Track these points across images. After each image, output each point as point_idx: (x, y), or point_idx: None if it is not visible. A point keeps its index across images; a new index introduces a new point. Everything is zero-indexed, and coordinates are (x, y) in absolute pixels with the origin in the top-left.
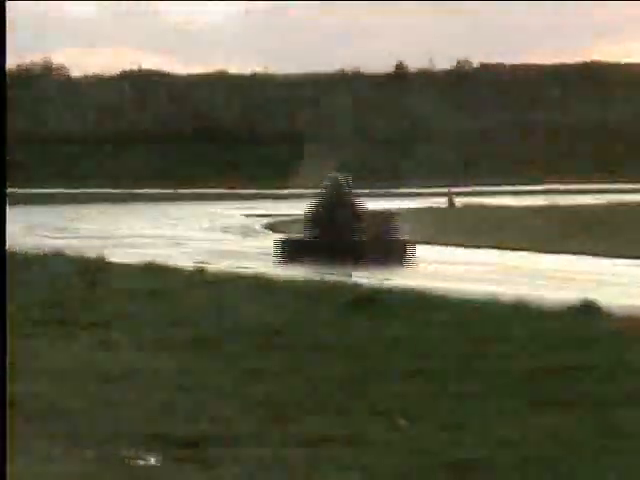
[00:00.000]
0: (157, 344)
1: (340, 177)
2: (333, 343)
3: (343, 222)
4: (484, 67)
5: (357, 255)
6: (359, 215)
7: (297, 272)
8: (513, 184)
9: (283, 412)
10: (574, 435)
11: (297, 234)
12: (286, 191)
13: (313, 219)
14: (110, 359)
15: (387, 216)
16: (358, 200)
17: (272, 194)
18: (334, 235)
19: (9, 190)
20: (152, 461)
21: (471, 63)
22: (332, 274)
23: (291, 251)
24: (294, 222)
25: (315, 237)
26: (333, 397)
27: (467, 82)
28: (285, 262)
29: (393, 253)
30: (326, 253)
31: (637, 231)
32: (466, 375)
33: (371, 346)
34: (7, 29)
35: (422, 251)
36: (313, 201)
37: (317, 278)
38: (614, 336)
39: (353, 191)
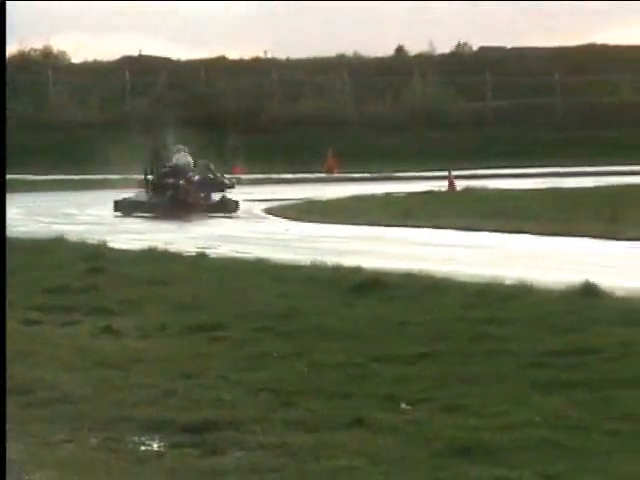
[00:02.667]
0: (161, 330)
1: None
2: (339, 327)
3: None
4: (483, 50)
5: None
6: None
7: (300, 257)
8: (515, 167)
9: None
10: (579, 417)
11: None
12: (289, 175)
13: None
14: (114, 345)
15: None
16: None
17: (274, 179)
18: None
19: (9, 177)
20: (155, 447)
21: (471, 46)
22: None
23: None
24: (293, 206)
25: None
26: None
27: (467, 65)
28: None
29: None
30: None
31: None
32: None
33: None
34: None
35: (416, 234)
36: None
37: (322, 264)
38: (617, 317)
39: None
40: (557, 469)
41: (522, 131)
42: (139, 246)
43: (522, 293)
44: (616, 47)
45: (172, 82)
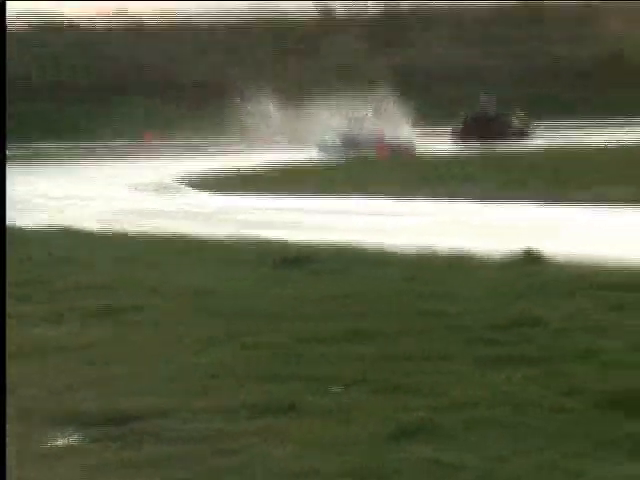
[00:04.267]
0: (68, 313)
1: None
2: (266, 307)
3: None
4: (415, 6)
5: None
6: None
7: (221, 231)
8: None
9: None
10: (524, 394)
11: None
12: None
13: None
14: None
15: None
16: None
17: (192, 147)
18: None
19: None
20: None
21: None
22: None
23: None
24: (213, 178)
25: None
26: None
27: (397, 21)
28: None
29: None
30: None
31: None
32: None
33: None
34: None
35: (344, 203)
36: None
37: (244, 239)
38: (563, 284)
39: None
40: (501, 450)
41: None
42: (47, 223)
43: (460, 263)
44: None
45: (83, 47)
